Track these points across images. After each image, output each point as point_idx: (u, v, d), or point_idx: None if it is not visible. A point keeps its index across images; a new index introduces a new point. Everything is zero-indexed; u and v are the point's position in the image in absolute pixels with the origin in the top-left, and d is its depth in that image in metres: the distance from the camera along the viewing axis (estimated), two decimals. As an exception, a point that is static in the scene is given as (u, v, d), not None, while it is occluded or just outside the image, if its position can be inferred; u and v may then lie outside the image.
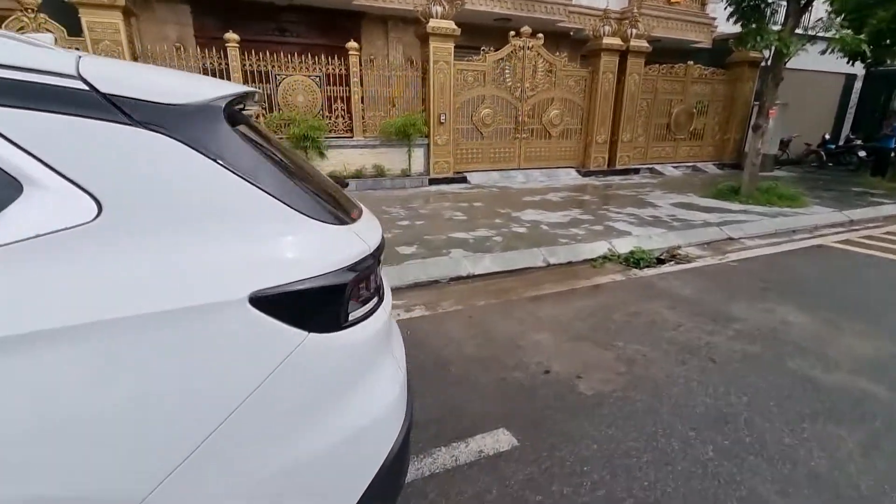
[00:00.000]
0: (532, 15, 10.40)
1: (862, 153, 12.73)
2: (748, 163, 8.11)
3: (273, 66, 8.35)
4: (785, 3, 7.48)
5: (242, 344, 0.90)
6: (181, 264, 0.87)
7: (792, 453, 2.06)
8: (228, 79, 8.08)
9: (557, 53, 10.57)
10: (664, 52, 12.18)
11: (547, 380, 2.67)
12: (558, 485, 1.88)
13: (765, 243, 5.71)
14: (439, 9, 8.72)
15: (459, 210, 7.03)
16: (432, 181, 9.43)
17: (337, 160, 8.95)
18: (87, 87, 0.83)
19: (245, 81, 8.23)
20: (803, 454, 2.06)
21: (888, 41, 9.04)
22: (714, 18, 12.47)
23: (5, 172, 0.77)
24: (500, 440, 2.14)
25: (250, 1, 9.40)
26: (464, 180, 9.72)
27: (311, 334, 0.96)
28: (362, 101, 9.05)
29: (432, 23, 8.66)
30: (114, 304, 0.80)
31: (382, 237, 1.28)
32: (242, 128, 1.07)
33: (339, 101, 8.92)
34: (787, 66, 7.78)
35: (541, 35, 9.94)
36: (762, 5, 7.53)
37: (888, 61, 10.88)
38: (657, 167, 12.10)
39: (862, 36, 7.30)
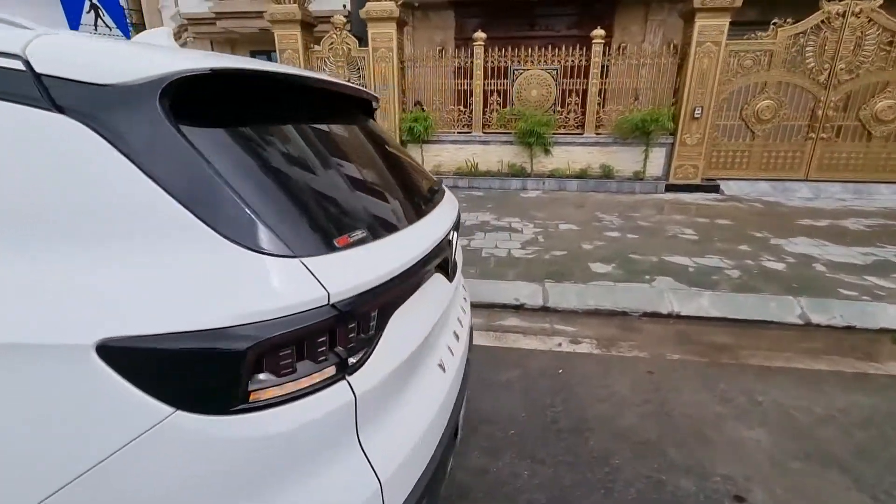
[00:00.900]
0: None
1: None
2: None
3: (512, 61, 8.41)
4: None
5: (81, 406, 0.67)
6: (29, 286, 0.70)
7: None
8: (470, 77, 8.58)
9: (907, 17, 7.24)
10: None
11: (734, 512, 1.73)
12: None
13: None
14: (715, -23, 7.05)
15: (692, 227, 5.63)
16: (670, 188, 7.93)
17: (561, 158, 8.47)
18: (23, 67, 0.73)
19: (486, 78, 8.57)
20: None
21: None
22: None
23: None
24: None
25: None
26: (714, 189, 7.83)
27: (179, 412, 0.67)
28: (600, 95, 8.25)
29: (702, -6, 7.09)
30: None
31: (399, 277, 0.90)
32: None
33: (574, 94, 8.37)
34: None
35: (879, -7, 6.98)
36: None
37: None
38: None
39: None
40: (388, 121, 8.80)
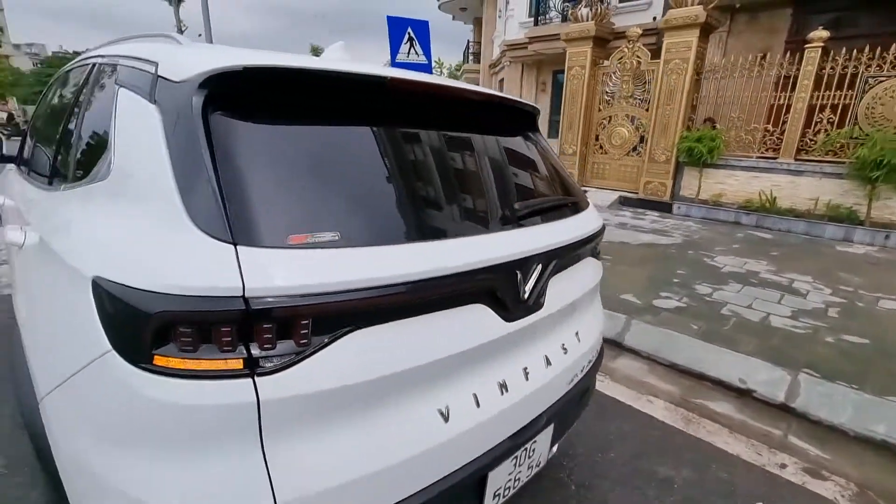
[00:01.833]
0: None
1: None
2: None
3: (867, 66, 6.08)
4: None
5: (79, 313, 0.87)
6: (89, 220, 0.97)
7: None
8: (793, 88, 6.69)
9: None
10: None
11: None
12: None
13: None
14: None
15: None
16: None
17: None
18: (153, 70, 1.01)
19: (817, 89, 6.52)
20: None
21: None
22: None
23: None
24: None
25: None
26: None
27: (112, 352, 0.79)
28: None
29: None
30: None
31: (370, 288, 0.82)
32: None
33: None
34: None
35: None
36: None
37: None
38: None
39: None
40: (665, 138, 7.86)
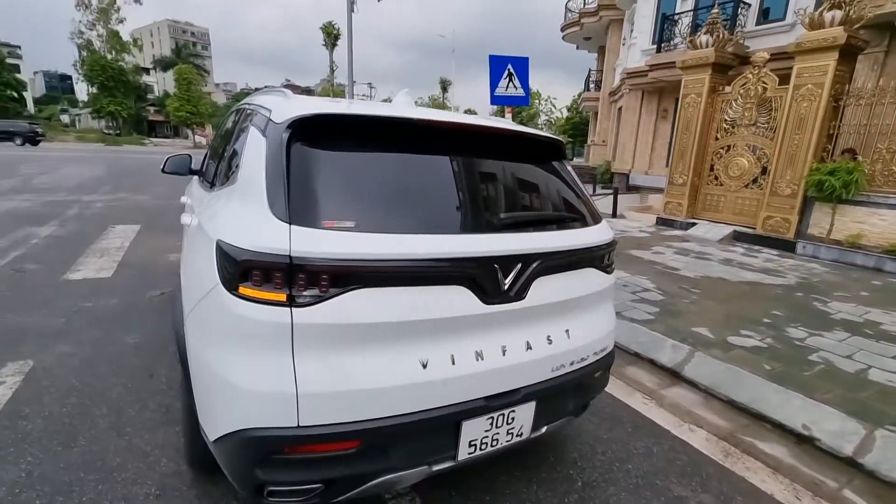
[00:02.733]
0: None
1: None
2: None
3: None
4: None
5: (206, 262, 1.40)
6: (229, 207, 1.51)
7: None
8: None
9: None
10: None
11: None
12: None
13: None
14: None
15: None
16: None
17: None
18: (269, 116, 1.57)
19: None
20: None
21: None
22: None
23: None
24: None
25: None
26: None
27: (219, 285, 1.30)
28: None
29: None
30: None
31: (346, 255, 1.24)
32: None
33: None
34: None
35: None
36: None
37: None
38: None
39: None
40: (792, 169, 7.11)
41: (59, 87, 75.08)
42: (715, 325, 3.80)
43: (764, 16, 11.06)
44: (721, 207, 8.54)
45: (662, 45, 12.92)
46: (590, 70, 25.39)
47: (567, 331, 1.67)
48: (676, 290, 4.79)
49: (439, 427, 1.42)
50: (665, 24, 12.50)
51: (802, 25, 6.85)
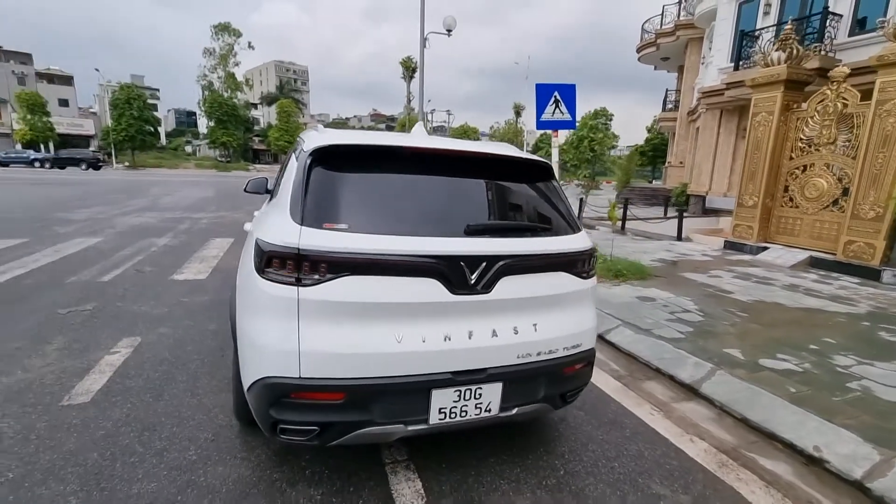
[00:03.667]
0: None
1: None
2: None
3: None
4: None
5: (250, 255, 1.87)
6: (269, 216, 2.00)
7: None
8: None
9: None
10: None
11: None
12: None
13: None
14: None
15: None
16: None
17: None
18: (305, 147, 2.07)
19: None
20: None
21: None
22: None
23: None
24: None
25: None
26: None
27: (254, 272, 1.75)
28: None
29: None
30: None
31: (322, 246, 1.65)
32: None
33: None
34: None
35: None
36: None
37: None
38: None
39: None
40: (877, 190, 6.51)
41: (185, 121, 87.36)
42: (751, 347, 3.71)
43: (860, 26, 10.21)
44: (797, 231, 7.93)
45: (741, 62, 12.32)
46: (666, 90, 24.58)
47: (535, 325, 1.95)
48: (720, 312, 4.65)
49: (411, 391, 1.77)
50: (744, 40, 11.94)
51: (886, 36, 6.35)
